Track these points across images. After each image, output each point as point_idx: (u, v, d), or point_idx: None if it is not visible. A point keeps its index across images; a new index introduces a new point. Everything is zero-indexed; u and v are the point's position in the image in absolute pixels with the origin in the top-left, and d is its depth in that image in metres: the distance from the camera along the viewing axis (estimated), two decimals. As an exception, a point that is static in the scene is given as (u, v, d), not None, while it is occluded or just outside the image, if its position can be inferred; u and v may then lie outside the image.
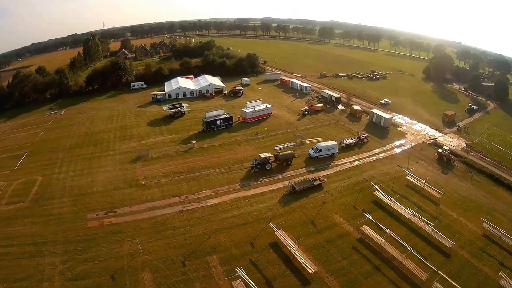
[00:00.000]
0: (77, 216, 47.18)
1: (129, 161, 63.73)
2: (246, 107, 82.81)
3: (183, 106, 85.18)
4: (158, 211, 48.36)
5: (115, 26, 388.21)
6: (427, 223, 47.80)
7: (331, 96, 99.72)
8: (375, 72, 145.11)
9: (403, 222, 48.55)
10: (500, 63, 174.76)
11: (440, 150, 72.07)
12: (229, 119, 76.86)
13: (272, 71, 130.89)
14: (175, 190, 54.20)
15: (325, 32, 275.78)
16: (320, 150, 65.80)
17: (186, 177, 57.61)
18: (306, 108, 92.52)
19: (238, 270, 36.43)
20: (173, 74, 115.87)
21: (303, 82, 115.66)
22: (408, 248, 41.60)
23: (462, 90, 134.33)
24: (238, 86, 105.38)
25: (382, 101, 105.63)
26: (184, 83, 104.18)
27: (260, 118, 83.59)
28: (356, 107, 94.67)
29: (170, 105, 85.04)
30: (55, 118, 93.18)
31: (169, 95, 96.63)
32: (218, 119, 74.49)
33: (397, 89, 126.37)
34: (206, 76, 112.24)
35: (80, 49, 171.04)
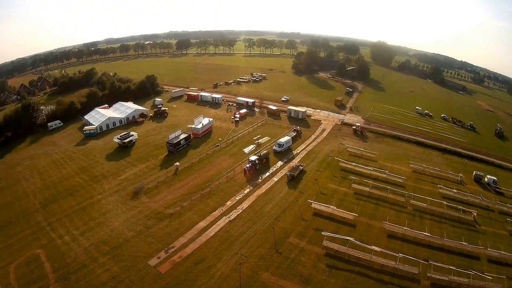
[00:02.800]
0: (137, 269, 49.98)
1: (129, 198, 68.26)
2: (194, 124, 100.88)
3: (132, 135, 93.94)
4: (212, 228, 59.80)
5: None
6: (383, 172, 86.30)
7: (247, 101, 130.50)
8: (256, 74, 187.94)
9: (367, 176, 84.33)
10: (349, 47, 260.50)
11: (354, 127, 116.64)
12: (188, 137, 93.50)
13: (176, 89, 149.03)
14: (206, 207, 66.01)
15: (182, 44, 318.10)
16: (282, 145, 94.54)
17: (202, 194, 70.24)
18: (238, 115, 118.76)
19: (324, 233, 58.50)
20: (84, 107, 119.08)
21: (213, 94, 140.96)
22: (388, 187, 77.62)
23: (329, 77, 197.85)
24: (162, 108, 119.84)
25: (283, 98, 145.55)
26: (108, 113, 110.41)
27: (207, 131, 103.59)
28: (272, 107, 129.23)
29: (120, 136, 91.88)
30: (-14, 178, 78.11)
31: (101, 127, 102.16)
32: (181, 139, 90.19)
33: (282, 86, 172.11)
34: (123, 103, 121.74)
35: None
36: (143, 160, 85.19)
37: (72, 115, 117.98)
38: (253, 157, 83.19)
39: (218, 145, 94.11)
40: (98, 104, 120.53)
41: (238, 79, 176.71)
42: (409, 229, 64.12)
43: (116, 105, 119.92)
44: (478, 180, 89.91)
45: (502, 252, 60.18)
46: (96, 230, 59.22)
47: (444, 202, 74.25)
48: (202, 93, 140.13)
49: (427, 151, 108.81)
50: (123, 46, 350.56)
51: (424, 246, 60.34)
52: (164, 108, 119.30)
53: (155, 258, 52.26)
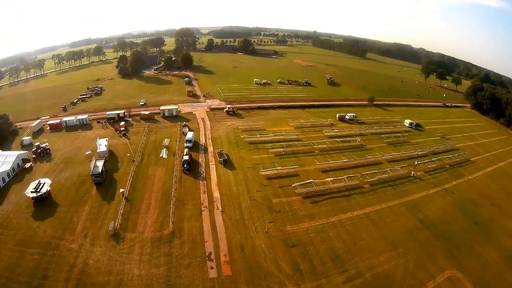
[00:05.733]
0: (209, 287, 53.57)
1: (116, 244, 63.33)
2: (98, 148, 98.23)
3: (45, 182, 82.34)
4: (218, 224, 68.30)
5: None
6: (280, 135, 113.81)
7: (118, 113, 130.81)
8: (95, 87, 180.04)
9: (270, 141, 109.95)
10: (155, 41, 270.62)
11: (226, 109, 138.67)
12: (105, 163, 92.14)
13: (32, 122, 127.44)
14: (193, 212, 71.94)
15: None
16: (191, 141, 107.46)
17: (175, 205, 74.75)
18: (122, 128, 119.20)
19: (294, 185, 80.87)
20: None
21: (78, 116, 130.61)
22: (294, 143, 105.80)
23: (156, 73, 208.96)
24: (42, 145, 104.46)
25: (141, 103, 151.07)
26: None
27: (109, 152, 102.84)
28: (145, 112, 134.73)
29: (33, 188, 78.19)
30: None
31: None
32: (102, 167, 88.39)
33: (125, 91, 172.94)
34: None
35: None
36: (80, 203, 77.59)
37: None
38: (186, 157, 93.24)
39: (133, 160, 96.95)
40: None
41: (80, 96, 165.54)
42: (331, 161, 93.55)
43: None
44: (342, 119, 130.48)
45: (393, 154, 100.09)
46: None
47: (337, 139, 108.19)
48: (65, 118, 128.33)
49: (291, 111, 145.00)
50: None
51: (347, 169, 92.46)
52: (44, 145, 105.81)
53: (210, 270, 56.72)
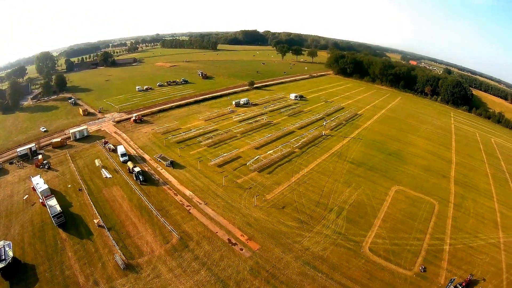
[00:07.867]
0: (254, 263, 57.48)
1: (147, 273, 56.08)
2: (39, 188, 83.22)
3: (3, 246, 61.96)
4: (213, 216, 68.29)
5: None
6: (200, 129, 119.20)
7: (30, 148, 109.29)
8: None
9: (195, 136, 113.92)
10: (17, 70, 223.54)
11: (133, 118, 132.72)
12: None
13: None
14: (182, 215, 70.21)
15: None
16: (125, 154, 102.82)
17: (164, 214, 71.50)
18: (45, 162, 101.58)
19: (248, 163, 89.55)
20: None
21: None
22: (217, 132, 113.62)
23: (35, 101, 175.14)
24: None
25: (42, 129, 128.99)
26: None
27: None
28: (56, 139, 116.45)
29: None
30: None
31: None
32: (58, 205, 76.62)
33: (16, 126, 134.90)
34: None
35: None
36: (57, 253, 57.83)
37: None
38: (136, 169, 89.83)
39: (81, 189, 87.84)
40: None
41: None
42: (260, 139, 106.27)
43: None
44: (238, 105, 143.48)
45: (300, 122, 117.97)
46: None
47: (251, 121, 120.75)
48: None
49: (190, 108, 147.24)
50: None
51: (273, 142, 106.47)
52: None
53: (241, 252, 60.06)
